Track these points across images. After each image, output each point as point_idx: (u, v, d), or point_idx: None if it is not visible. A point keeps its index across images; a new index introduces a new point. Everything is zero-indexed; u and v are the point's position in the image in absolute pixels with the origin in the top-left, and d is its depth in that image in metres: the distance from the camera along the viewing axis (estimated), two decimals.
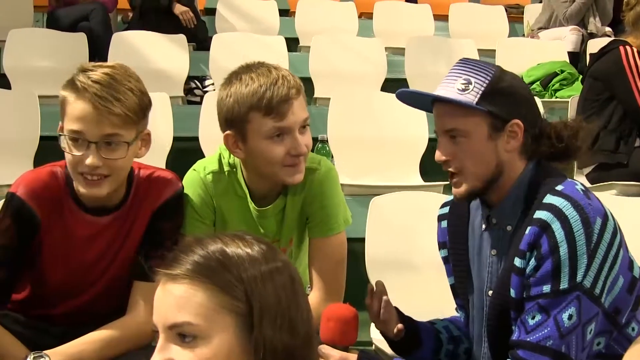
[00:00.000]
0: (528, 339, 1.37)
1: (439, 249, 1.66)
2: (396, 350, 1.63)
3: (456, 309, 1.67)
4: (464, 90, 1.46)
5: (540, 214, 1.39)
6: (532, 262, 1.39)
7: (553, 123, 1.52)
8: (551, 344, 1.35)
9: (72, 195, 1.62)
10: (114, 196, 1.63)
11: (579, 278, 1.35)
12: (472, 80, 1.47)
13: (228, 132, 1.64)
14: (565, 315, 1.36)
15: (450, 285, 1.64)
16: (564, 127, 1.50)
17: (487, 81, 1.46)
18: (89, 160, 1.52)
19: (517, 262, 1.42)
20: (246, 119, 1.60)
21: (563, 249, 1.35)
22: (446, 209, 1.67)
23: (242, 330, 0.92)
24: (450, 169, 1.51)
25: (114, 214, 1.65)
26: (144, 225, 1.67)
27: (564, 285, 1.36)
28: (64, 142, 1.54)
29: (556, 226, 1.36)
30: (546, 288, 1.37)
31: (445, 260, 1.65)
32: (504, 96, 1.47)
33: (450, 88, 1.48)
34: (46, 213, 1.60)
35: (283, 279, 0.96)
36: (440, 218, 1.68)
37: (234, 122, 1.62)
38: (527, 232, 1.40)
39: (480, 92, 1.46)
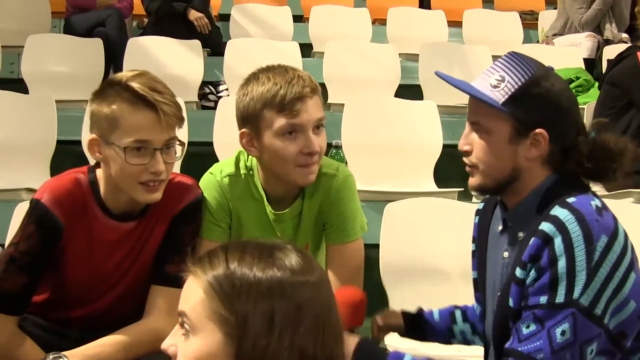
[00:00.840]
0: (519, 349, 1.33)
1: (472, 242, 1.62)
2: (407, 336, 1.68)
3: (474, 303, 1.66)
4: (495, 87, 1.40)
5: (544, 226, 1.34)
6: (532, 273, 1.34)
7: (596, 138, 1.42)
8: (542, 357, 1.31)
9: (97, 201, 1.64)
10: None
11: (575, 294, 1.30)
12: (507, 78, 1.40)
13: (244, 129, 1.66)
14: (558, 330, 1.30)
15: (473, 279, 1.61)
16: (605, 145, 1.41)
17: (520, 82, 1.39)
18: (157, 167, 1.56)
19: (518, 272, 1.37)
20: (260, 116, 1.62)
21: (562, 263, 1.31)
22: (482, 205, 1.63)
23: (229, 344, 0.95)
24: (466, 160, 1.47)
25: (138, 219, 1.67)
26: (163, 230, 1.69)
27: (559, 299, 1.31)
28: (118, 154, 1.55)
29: (557, 240, 1.32)
30: (543, 299, 1.32)
31: (473, 254, 1.61)
32: (534, 102, 1.39)
33: (484, 81, 1.42)
34: (69, 220, 1.62)
35: (306, 310, 0.96)
36: (476, 213, 1.63)
37: (249, 119, 1.64)
38: (530, 242, 1.36)
39: (510, 92, 1.39)
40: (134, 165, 1.55)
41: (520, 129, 1.40)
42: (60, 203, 1.60)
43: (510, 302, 1.39)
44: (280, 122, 1.61)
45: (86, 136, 3.09)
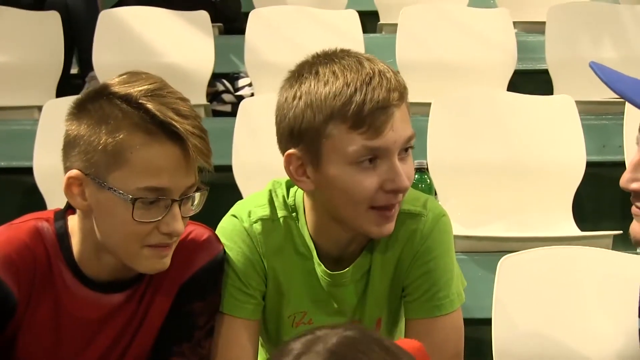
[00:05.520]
0: None
1: (639, 317, 1.64)
2: None
3: None
4: None
5: None
6: None
7: None
8: None
9: (68, 262, 1.69)
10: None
11: None
12: None
13: (292, 150, 1.69)
14: None
15: None
16: None
17: None
18: (173, 226, 1.60)
19: None
20: (323, 132, 1.64)
21: None
22: None
23: None
24: (637, 201, 1.47)
25: (130, 289, 1.72)
26: (167, 305, 1.73)
27: None
28: (118, 205, 1.59)
29: None
30: None
31: None
32: None
33: None
34: (26, 290, 1.65)
35: None
36: None
37: (303, 135, 1.66)
38: None
39: None
40: (142, 224, 1.59)
41: None
42: (12, 265, 1.64)
43: None
44: (354, 143, 1.62)
45: (39, 161, 3.23)
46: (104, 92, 1.61)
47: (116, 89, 1.61)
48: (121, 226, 1.60)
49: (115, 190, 1.58)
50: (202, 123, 1.62)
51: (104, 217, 1.62)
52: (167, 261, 1.65)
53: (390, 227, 1.69)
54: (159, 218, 1.59)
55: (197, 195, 1.65)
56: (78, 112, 1.62)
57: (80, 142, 1.60)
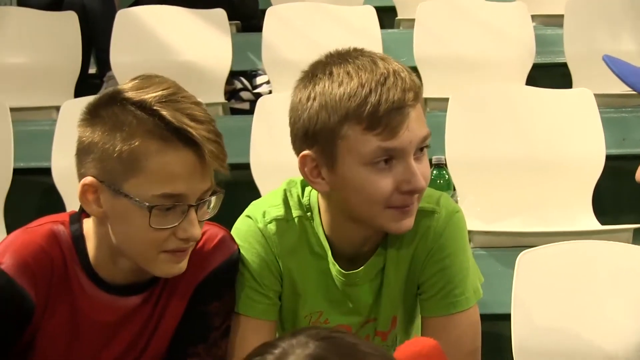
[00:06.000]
0: None
1: None
2: None
3: None
4: None
5: None
6: None
7: None
8: None
9: (84, 266, 1.69)
10: None
11: None
12: None
13: (307, 152, 1.69)
14: None
15: None
16: None
17: None
18: (190, 232, 1.61)
19: None
20: (338, 134, 1.63)
21: None
22: None
23: None
24: None
25: (147, 292, 1.73)
26: (182, 307, 1.74)
27: None
28: (135, 212, 1.58)
29: None
30: None
31: None
32: None
33: None
34: (43, 294, 1.66)
35: None
36: None
37: (318, 136, 1.66)
38: None
39: None
40: (158, 230, 1.59)
41: None
42: (29, 269, 1.64)
43: None
44: (369, 144, 1.62)
45: (57, 162, 3.23)
46: (117, 98, 1.61)
47: (130, 94, 1.60)
48: (138, 233, 1.60)
49: (131, 198, 1.58)
50: (216, 127, 1.62)
51: (119, 224, 1.62)
52: (184, 265, 1.66)
53: (410, 222, 1.69)
54: (176, 224, 1.60)
55: (213, 199, 1.66)
56: (91, 117, 1.62)
57: (94, 149, 1.60)
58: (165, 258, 1.63)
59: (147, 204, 1.57)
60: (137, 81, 1.64)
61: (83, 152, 1.62)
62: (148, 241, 1.61)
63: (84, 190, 1.61)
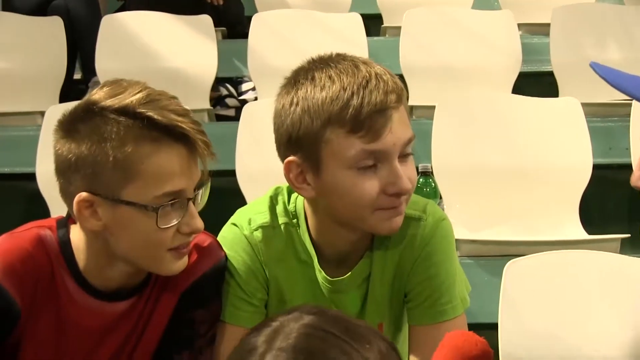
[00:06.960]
0: None
1: None
2: None
3: None
4: None
5: None
6: None
7: None
8: None
9: (71, 271, 1.69)
10: (141, 272, 1.70)
11: None
12: None
13: (291, 157, 1.68)
14: None
15: None
16: None
17: None
18: (194, 224, 1.63)
19: None
20: (321, 138, 1.64)
21: None
22: None
23: None
24: None
25: (133, 297, 1.72)
26: (169, 311, 1.73)
27: None
28: (139, 217, 1.59)
29: None
30: None
31: None
32: None
33: None
34: (29, 300, 1.65)
35: None
36: None
37: (302, 142, 1.66)
38: None
39: None
40: (165, 230, 1.60)
41: None
42: (15, 274, 1.64)
43: None
44: (353, 147, 1.62)
45: (42, 167, 3.23)
46: (94, 109, 1.59)
47: (108, 103, 1.59)
48: (144, 236, 1.61)
49: (134, 204, 1.58)
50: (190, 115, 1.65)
51: (123, 232, 1.61)
52: (186, 260, 1.68)
53: (399, 220, 1.69)
54: (180, 219, 1.61)
55: (203, 189, 1.67)
56: (70, 133, 1.60)
57: (83, 164, 1.58)
58: (171, 256, 1.64)
59: (152, 206, 1.58)
60: (107, 88, 1.63)
61: (70, 169, 1.59)
62: (156, 242, 1.61)
63: (79, 208, 1.60)
